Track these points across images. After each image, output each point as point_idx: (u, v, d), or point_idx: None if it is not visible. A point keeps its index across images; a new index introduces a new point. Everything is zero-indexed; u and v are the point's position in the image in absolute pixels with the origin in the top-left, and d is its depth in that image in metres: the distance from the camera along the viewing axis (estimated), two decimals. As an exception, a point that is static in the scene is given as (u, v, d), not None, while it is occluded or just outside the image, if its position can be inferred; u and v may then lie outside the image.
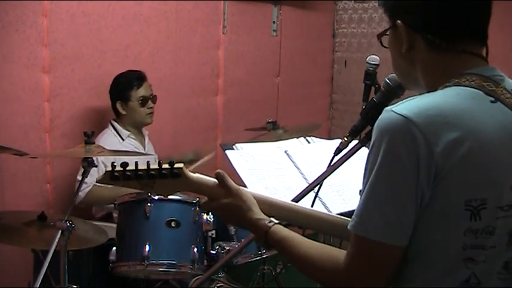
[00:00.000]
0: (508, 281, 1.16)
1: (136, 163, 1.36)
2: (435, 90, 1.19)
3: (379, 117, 1.13)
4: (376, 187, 1.10)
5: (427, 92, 1.20)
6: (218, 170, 1.39)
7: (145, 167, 1.35)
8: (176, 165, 1.36)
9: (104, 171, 1.36)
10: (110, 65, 3.42)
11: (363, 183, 1.14)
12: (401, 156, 1.07)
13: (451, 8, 1.17)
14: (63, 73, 3.23)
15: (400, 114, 1.09)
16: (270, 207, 1.40)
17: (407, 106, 1.11)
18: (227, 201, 1.37)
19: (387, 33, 1.29)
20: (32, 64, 3.09)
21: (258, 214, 1.36)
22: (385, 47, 1.31)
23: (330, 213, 1.48)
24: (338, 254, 1.19)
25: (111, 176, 1.36)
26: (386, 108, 1.13)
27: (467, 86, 1.15)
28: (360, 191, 1.16)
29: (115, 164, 1.36)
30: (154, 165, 1.37)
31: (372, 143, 1.13)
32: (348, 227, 1.14)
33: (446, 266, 1.12)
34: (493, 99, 1.15)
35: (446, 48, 1.19)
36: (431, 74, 1.23)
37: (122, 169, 1.35)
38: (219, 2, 3.97)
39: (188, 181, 1.38)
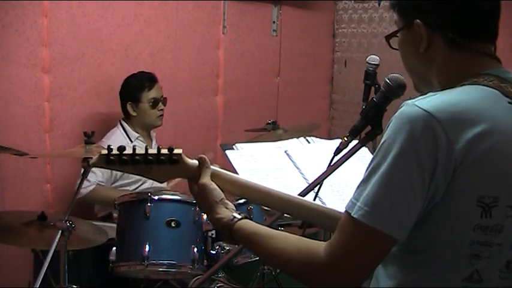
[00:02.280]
0: (509, 280, 1.16)
1: (134, 147, 1.32)
2: (451, 88, 1.18)
3: (400, 110, 1.12)
4: (390, 178, 1.08)
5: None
6: (202, 155, 1.36)
7: (142, 151, 1.31)
8: (175, 151, 1.32)
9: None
10: (110, 65, 3.42)
11: (367, 168, 1.12)
12: (421, 151, 1.06)
13: (471, 7, 1.18)
14: (63, 73, 3.23)
15: (423, 109, 1.08)
16: (267, 197, 1.38)
17: (430, 101, 1.11)
18: (195, 189, 1.36)
19: (397, 34, 1.28)
20: (32, 64, 3.09)
21: (220, 212, 1.33)
22: (393, 48, 1.30)
23: (326, 206, 1.45)
24: (314, 245, 1.16)
25: (106, 160, 1.30)
26: (407, 102, 1.12)
27: (485, 86, 1.16)
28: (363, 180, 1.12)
29: (111, 147, 1.31)
30: (152, 151, 1.32)
31: (387, 133, 1.11)
32: (356, 216, 1.09)
33: (452, 260, 1.12)
34: (510, 100, 1.15)
35: (465, 48, 1.19)
36: (447, 74, 1.22)
37: (118, 153, 1.30)
38: (219, 2, 3.97)
39: (186, 168, 1.35)
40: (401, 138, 1.08)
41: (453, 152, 1.06)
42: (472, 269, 1.13)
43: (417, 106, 1.09)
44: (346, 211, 1.12)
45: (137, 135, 3.26)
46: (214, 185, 1.35)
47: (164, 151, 1.33)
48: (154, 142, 3.38)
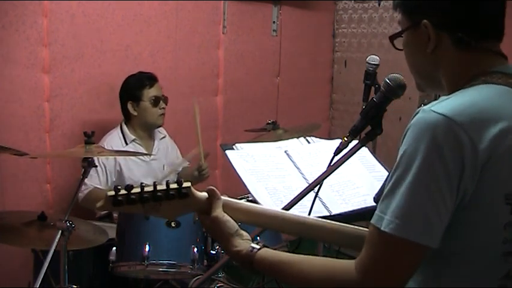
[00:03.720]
0: None
1: (142, 185, 1.27)
2: (459, 89, 1.18)
3: (417, 117, 1.10)
4: (418, 188, 1.06)
5: (450, 92, 1.19)
6: (210, 187, 1.32)
7: (151, 188, 1.26)
8: (184, 185, 1.28)
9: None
10: (110, 65, 3.42)
11: (389, 181, 1.10)
12: (446, 156, 1.05)
13: (480, 7, 1.17)
14: (63, 73, 3.23)
15: (441, 114, 1.07)
16: (283, 223, 1.34)
17: (446, 105, 1.09)
18: (208, 222, 1.31)
19: (402, 34, 1.26)
20: (32, 64, 3.10)
21: (236, 245, 1.29)
22: (397, 49, 1.29)
23: (343, 224, 1.41)
24: (344, 264, 1.14)
25: (113, 201, 1.24)
26: (423, 108, 1.11)
27: (495, 84, 1.15)
28: (380, 193, 1.11)
29: (119, 187, 1.26)
30: (161, 186, 1.27)
31: (407, 142, 1.09)
32: (386, 229, 1.07)
33: (485, 261, 1.11)
34: None
35: (473, 47, 1.18)
36: (455, 74, 1.21)
37: (126, 192, 1.24)
38: (219, 2, 3.97)
39: (196, 201, 1.31)
40: (424, 145, 1.06)
41: (478, 153, 1.05)
42: (508, 267, 1.11)
43: (434, 112, 1.08)
44: (373, 226, 1.10)
45: (133, 137, 3.21)
46: (227, 217, 1.31)
47: (173, 185, 1.28)
48: (156, 142, 3.34)
